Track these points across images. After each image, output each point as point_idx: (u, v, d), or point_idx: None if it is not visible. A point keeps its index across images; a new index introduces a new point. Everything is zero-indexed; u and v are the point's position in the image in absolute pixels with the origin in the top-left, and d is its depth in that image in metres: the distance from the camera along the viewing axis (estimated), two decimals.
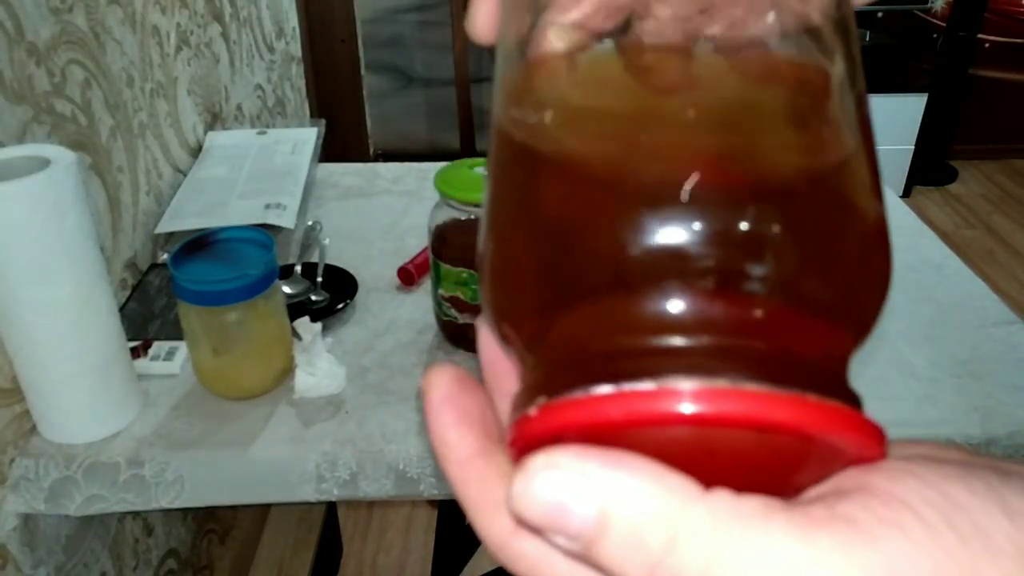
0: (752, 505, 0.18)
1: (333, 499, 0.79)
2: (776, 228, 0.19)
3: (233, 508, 1.49)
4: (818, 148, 0.21)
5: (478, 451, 0.23)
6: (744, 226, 0.19)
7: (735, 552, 0.17)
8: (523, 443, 0.20)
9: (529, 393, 0.21)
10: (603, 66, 0.23)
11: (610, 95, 0.22)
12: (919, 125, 3.01)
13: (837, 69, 0.21)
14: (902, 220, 1.19)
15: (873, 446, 0.19)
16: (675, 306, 0.19)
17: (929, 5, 3.13)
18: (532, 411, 0.20)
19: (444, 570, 1.57)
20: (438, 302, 0.89)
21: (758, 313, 0.19)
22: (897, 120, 3.00)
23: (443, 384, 0.23)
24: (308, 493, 0.78)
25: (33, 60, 0.83)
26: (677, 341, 0.19)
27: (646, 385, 0.18)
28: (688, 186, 0.19)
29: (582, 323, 0.20)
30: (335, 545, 1.70)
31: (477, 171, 0.86)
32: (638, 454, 0.19)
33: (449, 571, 1.63)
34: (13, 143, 0.78)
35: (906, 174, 3.11)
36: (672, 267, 0.19)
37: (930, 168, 3.25)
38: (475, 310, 0.86)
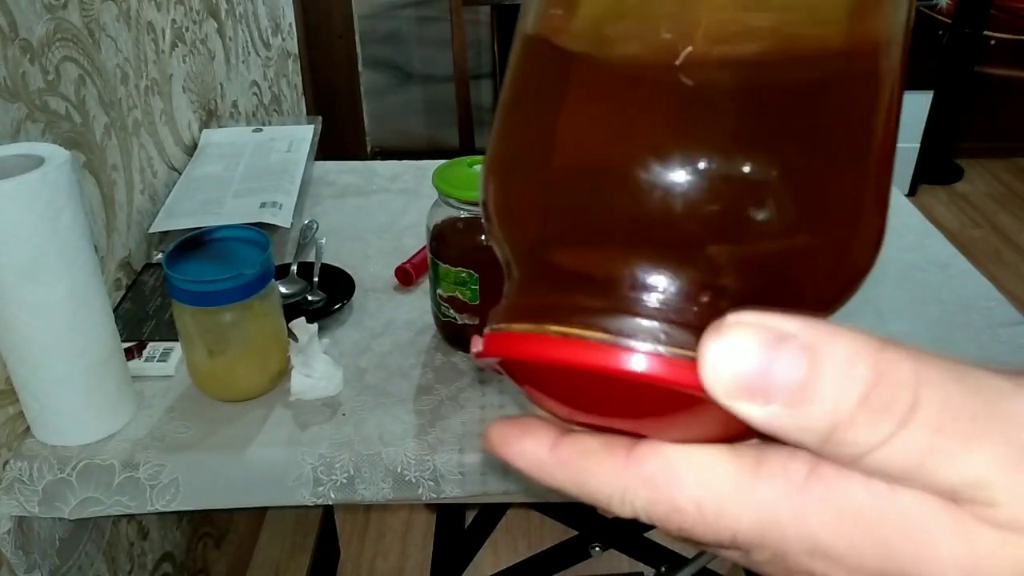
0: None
1: (330, 502, 0.78)
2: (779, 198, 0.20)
3: (229, 511, 1.48)
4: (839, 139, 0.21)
5: (560, 433, 0.24)
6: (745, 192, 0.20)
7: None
8: (483, 355, 0.23)
9: (508, 312, 0.23)
10: None
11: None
12: (925, 123, 3.00)
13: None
14: (907, 219, 1.18)
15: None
16: (663, 271, 0.20)
17: (935, 2, 3.12)
18: (502, 328, 0.22)
19: (442, 575, 1.56)
20: (437, 302, 0.88)
21: (740, 285, 0.20)
22: (902, 118, 2.99)
23: (496, 425, 0.25)
24: (305, 496, 0.77)
25: (27, 57, 0.82)
26: (649, 301, 0.20)
27: (598, 337, 0.20)
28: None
29: (576, 259, 0.22)
30: (332, 549, 1.69)
31: (476, 169, 0.85)
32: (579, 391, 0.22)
33: None
34: (6, 141, 0.77)
35: (911, 172, 3.10)
36: (672, 234, 0.20)
37: (936, 166, 3.24)
38: (474, 310, 0.85)
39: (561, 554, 1.56)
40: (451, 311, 0.86)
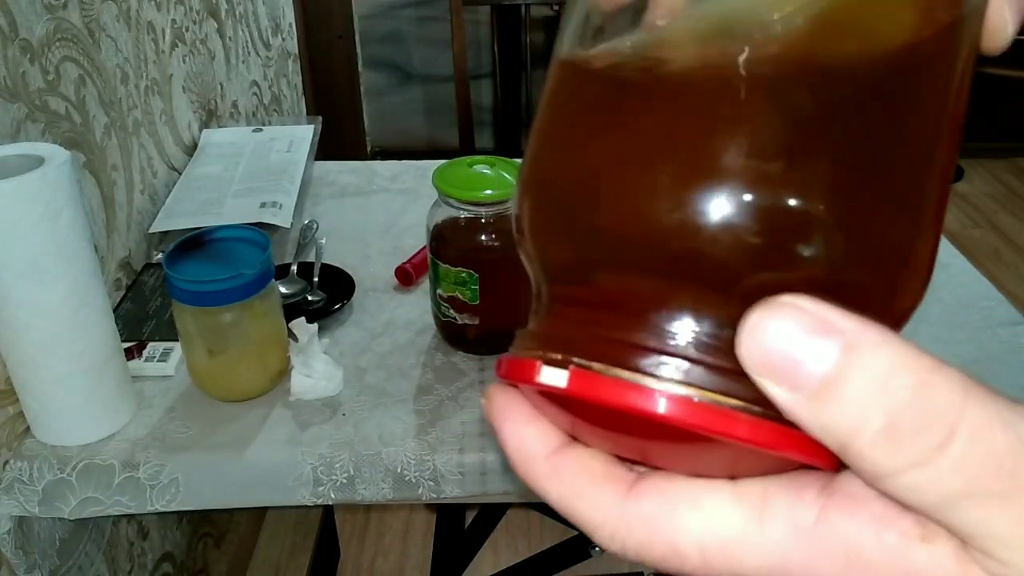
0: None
1: (330, 503, 0.78)
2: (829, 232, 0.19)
3: (229, 511, 1.49)
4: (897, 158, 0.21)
5: (565, 442, 0.23)
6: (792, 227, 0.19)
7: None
8: (505, 379, 0.22)
9: (536, 338, 0.22)
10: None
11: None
12: None
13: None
14: None
15: (823, 463, 0.20)
16: (693, 312, 0.20)
17: None
18: (535, 356, 0.21)
19: (442, 575, 1.56)
20: (437, 302, 0.88)
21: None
22: None
23: (504, 393, 0.24)
24: (305, 496, 0.77)
25: (27, 57, 0.82)
26: (684, 339, 0.20)
27: (628, 377, 0.19)
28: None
29: (611, 289, 0.21)
30: (332, 549, 1.69)
31: (476, 169, 0.85)
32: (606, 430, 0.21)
33: None
34: (7, 141, 0.77)
35: None
36: (706, 269, 0.19)
37: None
38: (474, 310, 0.85)
39: (561, 554, 1.56)
40: (451, 311, 0.86)
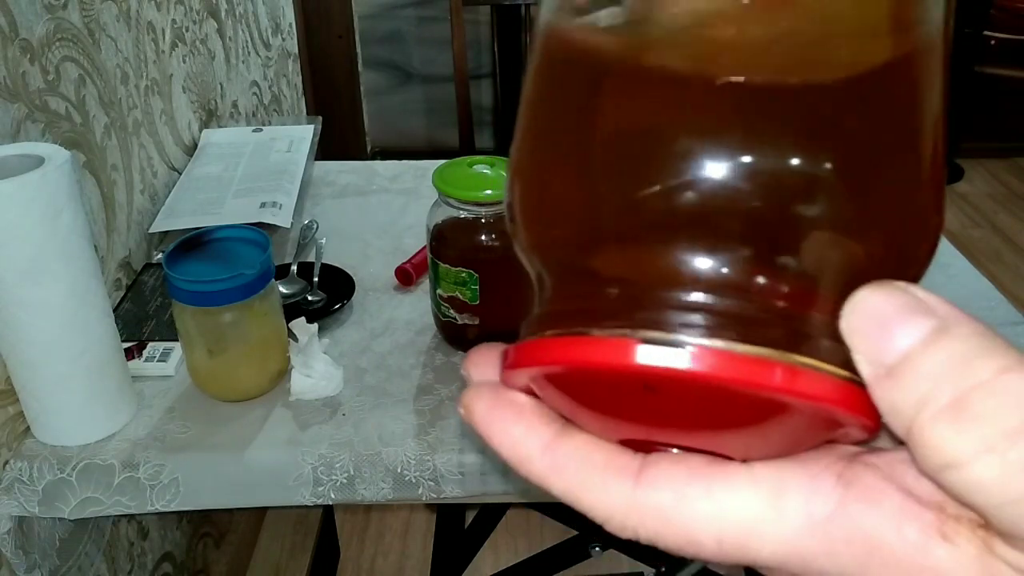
0: None
1: (330, 503, 0.78)
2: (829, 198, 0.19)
3: (229, 511, 1.48)
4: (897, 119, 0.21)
5: (558, 432, 0.22)
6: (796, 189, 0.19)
7: None
8: (516, 367, 0.21)
9: (546, 320, 0.21)
10: None
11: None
12: None
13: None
14: None
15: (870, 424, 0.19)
16: (711, 264, 0.19)
17: None
18: (545, 335, 0.20)
19: (442, 575, 1.56)
20: (437, 302, 0.88)
21: (792, 278, 0.19)
22: None
23: (483, 395, 0.23)
24: (305, 496, 0.77)
25: (27, 57, 0.82)
26: (704, 299, 0.19)
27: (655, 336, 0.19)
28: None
29: (619, 262, 0.20)
30: (332, 549, 1.69)
31: (476, 169, 0.85)
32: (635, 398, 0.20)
33: None
34: (7, 141, 0.77)
35: None
36: (717, 225, 0.19)
37: None
38: (474, 310, 0.85)
39: (561, 554, 1.56)
40: (451, 311, 0.86)
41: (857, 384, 0.19)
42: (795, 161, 0.19)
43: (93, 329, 0.74)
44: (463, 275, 0.83)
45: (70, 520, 0.83)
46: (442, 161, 0.89)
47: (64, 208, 0.68)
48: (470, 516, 1.65)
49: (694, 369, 0.18)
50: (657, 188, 0.19)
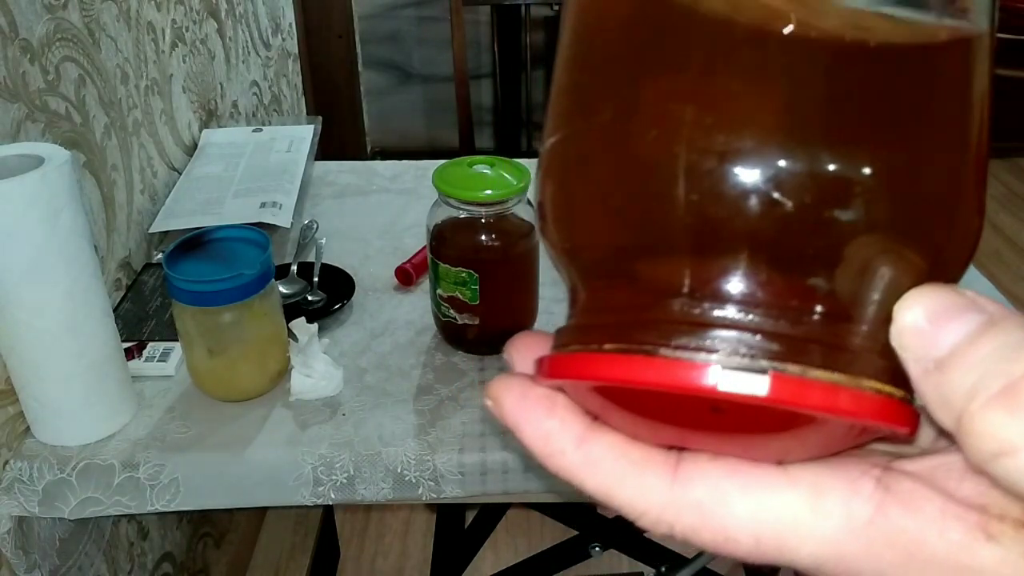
0: None
1: (330, 502, 0.78)
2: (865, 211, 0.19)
3: (229, 511, 1.48)
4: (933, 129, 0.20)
5: (589, 427, 0.22)
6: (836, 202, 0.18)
7: None
8: (553, 375, 0.21)
9: (596, 331, 0.21)
10: None
11: None
12: None
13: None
14: None
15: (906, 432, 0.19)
16: (747, 282, 0.19)
17: None
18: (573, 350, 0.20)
19: (442, 575, 1.56)
20: (437, 302, 0.88)
21: (850, 294, 0.19)
22: None
23: (512, 387, 0.22)
24: (305, 496, 0.77)
25: (27, 57, 0.82)
26: (735, 315, 0.19)
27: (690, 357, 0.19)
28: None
29: (673, 273, 0.20)
30: (332, 549, 1.69)
31: (476, 169, 0.85)
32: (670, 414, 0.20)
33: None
34: (7, 141, 0.77)
35: None
36: (782, 243, 0.19)
37: None
38: (474, 310, 0.85)
39: (561, 554, 1.56)
40: (451, 311, 0.86)
41: (904, 400, 0.19)
42: (846, 165, 0.18)
43: (93, 329, 0.74)
44: (463, 275, 0.83)
45: (70, 520, 0.83)
46: (442, 161, 0.89)
47: (64, 208, 0.68)
48: (470, 516, 1.65)
49: (774, 397, 0.18)
50: (720, 192, 0.18)
